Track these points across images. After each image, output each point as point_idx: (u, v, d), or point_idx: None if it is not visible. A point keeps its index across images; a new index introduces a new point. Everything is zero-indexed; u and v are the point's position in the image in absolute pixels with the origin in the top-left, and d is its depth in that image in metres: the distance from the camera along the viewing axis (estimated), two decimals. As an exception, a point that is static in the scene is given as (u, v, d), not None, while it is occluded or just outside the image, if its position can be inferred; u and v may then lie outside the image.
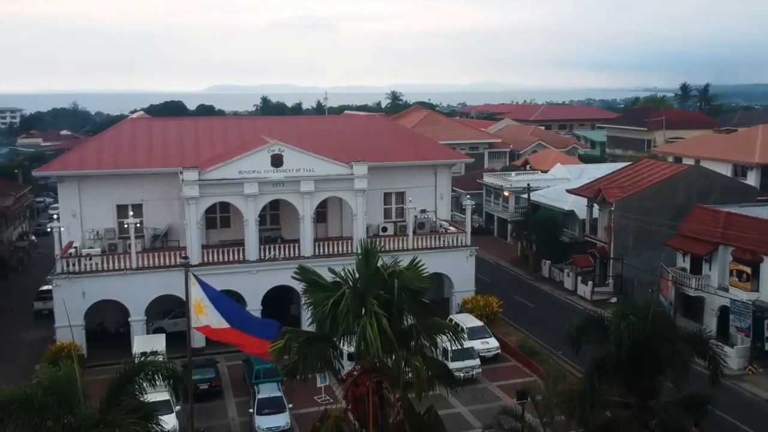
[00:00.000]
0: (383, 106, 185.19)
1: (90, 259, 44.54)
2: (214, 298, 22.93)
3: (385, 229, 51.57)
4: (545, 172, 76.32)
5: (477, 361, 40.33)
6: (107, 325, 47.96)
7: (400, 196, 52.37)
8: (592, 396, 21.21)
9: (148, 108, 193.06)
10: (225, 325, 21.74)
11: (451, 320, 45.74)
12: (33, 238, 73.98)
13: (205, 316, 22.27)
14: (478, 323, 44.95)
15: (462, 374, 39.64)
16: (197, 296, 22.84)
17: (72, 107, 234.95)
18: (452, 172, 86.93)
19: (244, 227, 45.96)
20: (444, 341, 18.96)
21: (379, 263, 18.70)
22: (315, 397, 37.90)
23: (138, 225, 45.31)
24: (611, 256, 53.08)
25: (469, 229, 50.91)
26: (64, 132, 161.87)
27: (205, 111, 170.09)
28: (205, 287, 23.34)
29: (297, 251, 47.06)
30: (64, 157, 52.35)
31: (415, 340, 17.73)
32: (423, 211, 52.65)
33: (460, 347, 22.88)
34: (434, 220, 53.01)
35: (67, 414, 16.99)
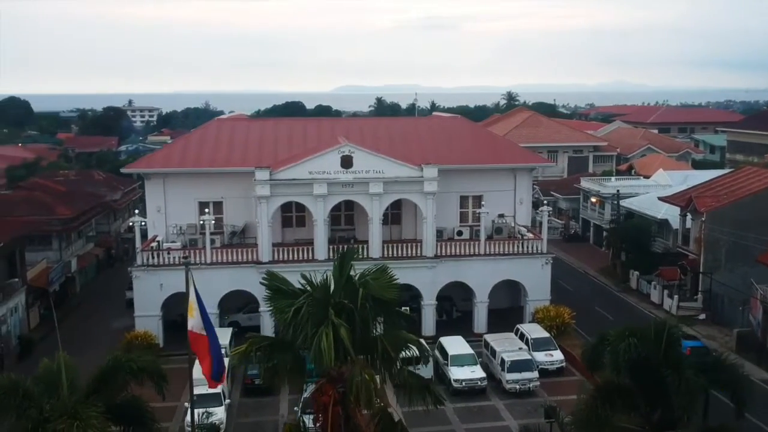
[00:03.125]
0: (500, 106, 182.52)
1: (169, 253, 46.64)
2: (200, 304, 23.19)
3: (460, 233, 50.75)
4: (647, 177, 72.54)
5: (535, 374, 38.85)
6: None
7: (477, 200, 51.31)
8: (596, 423, 19.86)
9: (271, 108, 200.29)
10: (203, 332, 21.96)
11: (517, 330, 44.54)
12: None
13: (192, 318, 22.61)
14: (545, 334, 43.32)
15: (518, 387, 38.57)
16: (192, 297, 23.24)
17: (204, 107, 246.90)
18: (551, 176, 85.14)
19: (314, 227, 46.61)
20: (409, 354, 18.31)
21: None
22: (366, 400, 37.97)
23: (213, 222, 46.97)
24: (701, 269, 49.64)
25: (545, 235, 49.20)
26: (193, 130, 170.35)
27: (323, 111, 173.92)
28: (197, 293, 23.67)
29: (366, 252, 47.18)
30: (151, 156, 55.18)
31: (380, 351, 17.28)
32: (501, 216, 51.42)
33: (423, 361, 21.03)
34: (512, 225, 51.60)
35: (48, 403, 17.79)
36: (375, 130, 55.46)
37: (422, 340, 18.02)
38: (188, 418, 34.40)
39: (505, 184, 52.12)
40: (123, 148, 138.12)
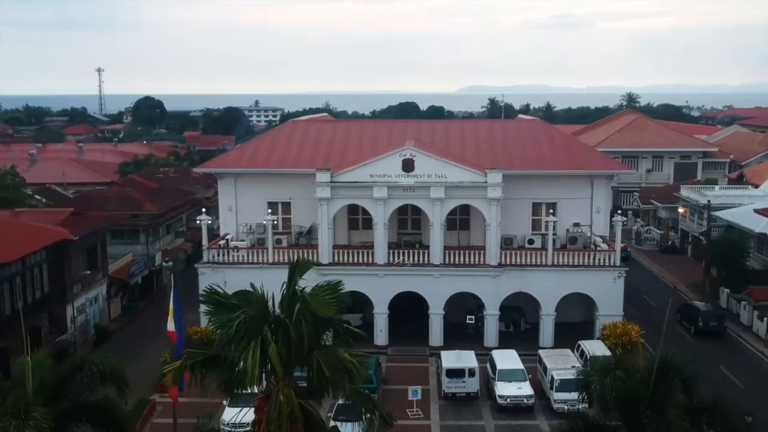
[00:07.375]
0: (622, 107, 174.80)
1: (237, 251, 47.64)
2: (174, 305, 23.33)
3: (531, 242, 48.69)
4: (757, 186, 66.88)
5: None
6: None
7: (551, 207, 49.09)
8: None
9: (386, 108, 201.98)
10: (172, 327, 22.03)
11: (578, 346, 42.19)
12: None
13: (170, 319, 22.82)
14: (606, 352, 40.60)
15: (566, 407, 36.38)
16: (171, 301, 23.45)
17: (324, 107, 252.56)
18: (655, 183, 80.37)
19: (374, 230, 46.15)
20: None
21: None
22: (407, 410, 37.13)
23: (276, 222, 47.60)
24: (795, 290, 45.08)
25: (618, 247, 46.30)
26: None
27: (435, 112, 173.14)
28: (175, 295, 23.86)
29: (427, 258, 46.27)
30: (224, 156, 56.53)
31: (315, 370, 16.47)
32: (576, 225, 48.96)
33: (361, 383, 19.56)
34: (588, 235, 48.95)
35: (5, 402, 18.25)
36: (447, 133, 54.22)
37: (355, 360, 16.98)
38: (224, 416, 35.22)
39: (581, 191, 49.54)
40: (238, 146, 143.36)
